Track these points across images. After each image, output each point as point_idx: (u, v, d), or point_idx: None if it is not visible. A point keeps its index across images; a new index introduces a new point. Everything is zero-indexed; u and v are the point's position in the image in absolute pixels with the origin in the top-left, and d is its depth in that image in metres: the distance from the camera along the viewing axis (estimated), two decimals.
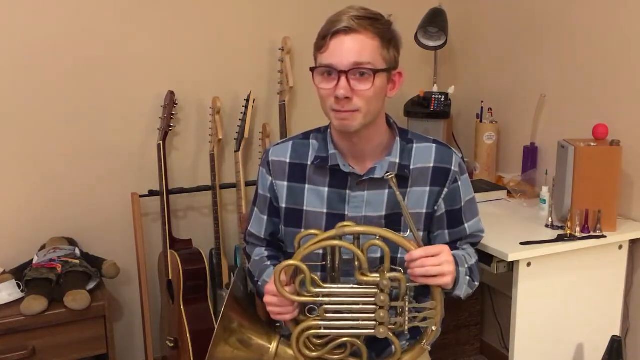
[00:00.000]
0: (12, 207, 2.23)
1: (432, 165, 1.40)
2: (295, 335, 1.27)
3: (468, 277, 1.37)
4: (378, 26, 1.28)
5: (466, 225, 1.45)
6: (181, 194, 2.44)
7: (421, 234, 1.42)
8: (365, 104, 1.29)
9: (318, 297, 1.25)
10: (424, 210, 1.41)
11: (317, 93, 1.34)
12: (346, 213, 1.39)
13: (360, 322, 1.26)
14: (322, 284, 1.26)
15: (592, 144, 1.86)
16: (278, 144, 1.49)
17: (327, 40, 1.27)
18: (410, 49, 2.59)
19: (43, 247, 2.20)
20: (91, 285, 2.09)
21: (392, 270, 1.25)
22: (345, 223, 1.27)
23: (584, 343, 1.90)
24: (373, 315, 1.25)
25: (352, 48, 1.26)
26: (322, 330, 1.27)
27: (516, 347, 1.79)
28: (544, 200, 2.05)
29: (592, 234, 1.83)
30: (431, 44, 2.58)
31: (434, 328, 1.27)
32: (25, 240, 2.24)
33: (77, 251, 2.20)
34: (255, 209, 1.52)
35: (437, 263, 1.23)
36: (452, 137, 2.67)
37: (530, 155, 2.32)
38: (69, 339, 2.00)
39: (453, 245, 1.46)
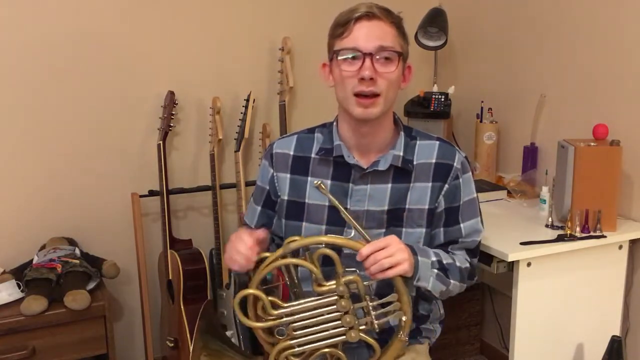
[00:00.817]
0: (12, 207, 2.23)
1: (434, 160, 1.40)
2: (272, 358, 1.28)
3: (436, 270, 1.34)
4: (394, 18, 1.33)
5: (462, 225, 1.43)
6: (181, 194, 2.44)
7: (423, 230, 1.41)
8: (387, 88, 1.31)
9: (281, 318, 1.26)
10: (427, 207, 1.40)
11: (326, 86, 1.37)
12: (348, 207, 1.39)
13: (330, 332, 1.26)
14: (282, 304, 1.27)
15: (592, 144, 1.86)
16: (283, 137, 1.50)
17: (349, 25, 1.30)
18: (411, 48, 2.57)
19: (43, 247, 2.20)
20: (91, 285, 2.09)
21: (347, 273, 1.25)
22: (292, 238, 1.28)
23: (584, 343, 1.90)
24: (340, 322, 1.25)
25: (376, 32, 1.30)
26: (297, 349, 1.27)
27: (516, 347, 1.79)
28: (544, 200, 2.05)
29: (592, 234, 1.83)
30: (431, 44, 2.57)
31: (404, 318, 1.26)
32: (25, 240, 2.24)
33: (77, 251, 2.20)
34: (251, 199, 1.54)
35: (389, 254, 1.23)
36: (452, 137, 2.67)
37: (530, 155, 2.32)
38: (69, 339, 2.00)
39: (445, 247, 1.44)
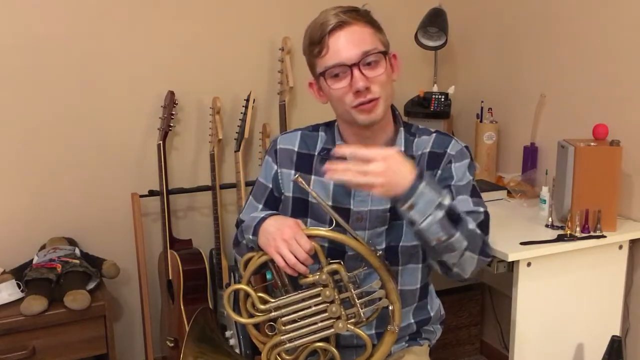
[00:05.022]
0: (12, 207, 2.23)
1: (428, 150, 1.38)
2: (264, 356, 1.28)
3: (442, 213, 1.15)
4: (363, 15, 1.30)
5: (459, 197, 1.32)
6: (181, 194, 2.44)
7: None
8: (383, 90, 1.28)
9: (270, 312, 1.26)
10: None
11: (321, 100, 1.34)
12: (351, 207, 1.38)
13: (319, 324, 1.26)
14: (270, 299, 1.26)
15: (592, 144, 1.86)
16: (286, 133, 1.48)
17: (324, 41, 1.27)
18: (410, 49, 2.59)
19: (43, 247, 2.20)
20: (91, 285, 2.09)
21: (330, 264, 1.25)
22: None
23: (584, 343, 1.90)
24: (327, 313, 1.25)
25: (353, 40, 1.26)
26: (288, 344, 1.27)
27: (516, 347, 1.79)
28: (544, 200, 2.05)
29: (592, 234, 1.83)
30: (431, 44, 2.57)
31: (391, 307, 1.25)
32: (25, 240, 2.24)
33: (77, 251, 2.20)
34: (251, 197, 1.51)
35: (363, 171, 1.13)
36: None
37: (530, 155, 2.32)
38: (69, 339, 2.00)
39: None
